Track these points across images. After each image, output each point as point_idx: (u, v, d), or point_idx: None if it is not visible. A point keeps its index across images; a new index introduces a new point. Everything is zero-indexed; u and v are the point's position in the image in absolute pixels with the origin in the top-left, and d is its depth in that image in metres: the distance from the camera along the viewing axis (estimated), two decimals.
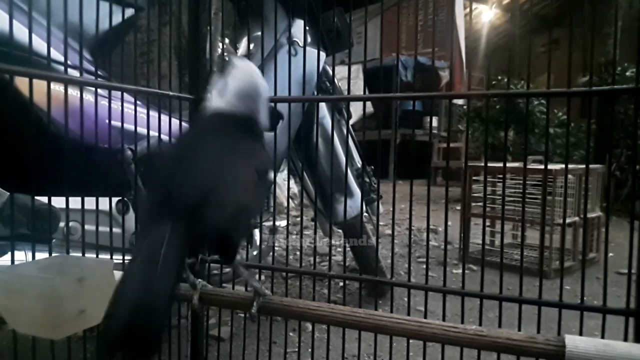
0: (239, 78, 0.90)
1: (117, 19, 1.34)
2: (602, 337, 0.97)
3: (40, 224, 1.34)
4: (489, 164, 1.36)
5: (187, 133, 0.98)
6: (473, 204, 3.28)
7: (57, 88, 1.10)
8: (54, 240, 1.45)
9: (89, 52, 1.53)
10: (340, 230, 2.36)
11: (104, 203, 1.32)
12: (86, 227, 1.16)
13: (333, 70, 1.65)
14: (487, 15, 9.25)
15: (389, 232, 2.33)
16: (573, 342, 0.70)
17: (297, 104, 1.81)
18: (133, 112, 1.32)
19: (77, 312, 0.75)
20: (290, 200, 1.49)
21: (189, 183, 0.73)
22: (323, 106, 2.12)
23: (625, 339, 0.97)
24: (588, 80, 1.10)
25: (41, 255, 1.02)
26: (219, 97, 0.91)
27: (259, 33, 1.74)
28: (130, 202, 1.63)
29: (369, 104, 1.46)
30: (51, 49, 1.09)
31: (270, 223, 1.78)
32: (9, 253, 1.06)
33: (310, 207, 2.89)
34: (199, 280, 0.93)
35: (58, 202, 1.14)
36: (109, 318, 0.66)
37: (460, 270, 1.56)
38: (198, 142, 0.84)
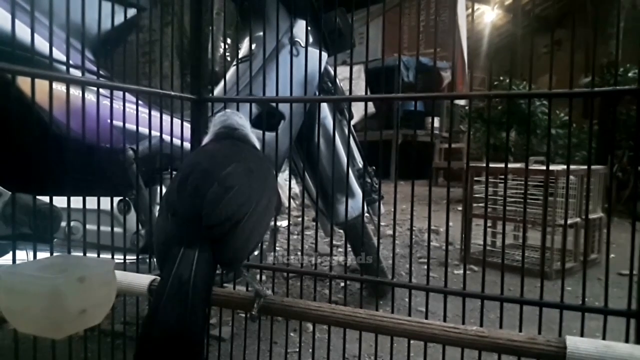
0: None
1: (119, 18, 1.34)
2: (604, 338, 0.97)
3: (42, 223, 1.35)
4: (491, 165, 1.36)
5: (208, 145, 0.99)
6: (474, 204, 3.27)
7: (59, 88, 1.10)
8: (55, 240, 1.45)
9: (91, 52, 1.54)
10: (341, 231, 2.35)
11: (105, 203, 1.32)
12: (87, 226, 1.16)
13: (335, 71, 1.65)
14: (489, 16, 9.26)
15: (390, 232, 2.33)
16: (574, 343, 0.70)
17: (298, 104, 1.81)
18: (135, 112, 1.32)
19: (78, 311, 0.75)
20: (291, 201, 1.49)
21: (221, 210, 0.75)
22: (325, 106, 2.12)
23: (627, 341, 0.97)
24: (590, 81, 1.10)
25: (42, 255, 1.02)
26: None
27: (261, 33, 1.74)
28: (131, 201, 1.64)
29: (370, 104, 1.46)
30: (53, 49, 1.09)
31: (272, 223, 1.78)
32: (11, 252, 1.07)
33: (311, 207, 2.89)
34: None
35: (59, 201, 1.15)
36: (144, 341, 0.68)
37: (461, 271, 1.56)
38: (225, 159, 0.85)
